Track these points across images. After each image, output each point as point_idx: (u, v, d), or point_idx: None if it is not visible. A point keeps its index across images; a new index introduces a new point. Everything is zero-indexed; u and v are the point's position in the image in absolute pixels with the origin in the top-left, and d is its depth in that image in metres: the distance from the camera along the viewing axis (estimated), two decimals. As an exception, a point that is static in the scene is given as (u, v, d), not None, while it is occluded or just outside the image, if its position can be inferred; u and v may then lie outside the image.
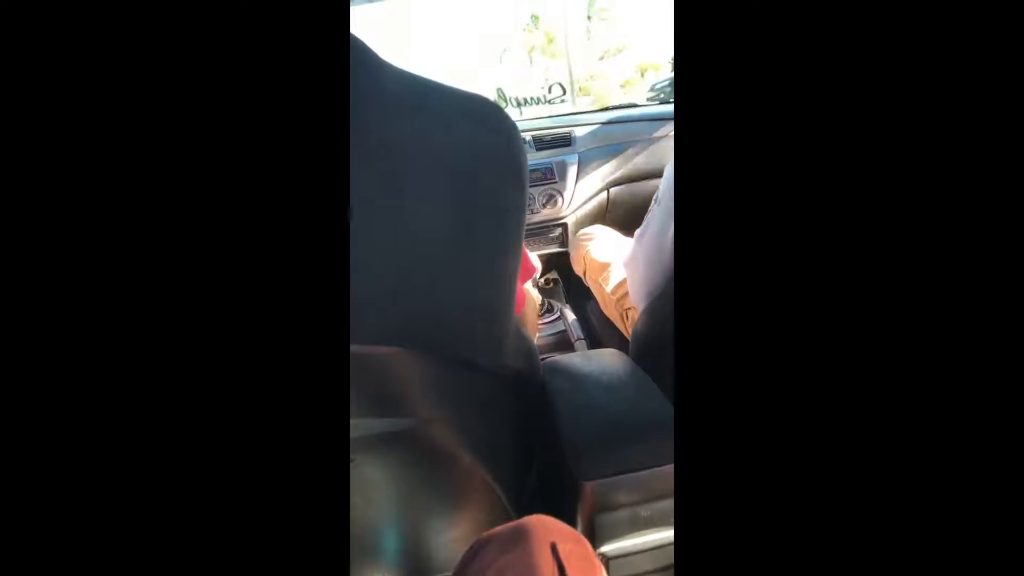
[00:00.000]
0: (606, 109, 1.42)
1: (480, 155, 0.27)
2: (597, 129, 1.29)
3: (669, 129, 1.26)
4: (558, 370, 0.52)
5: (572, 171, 1.23)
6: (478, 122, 0.27)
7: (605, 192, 1.27)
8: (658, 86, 1.45)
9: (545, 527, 0.30)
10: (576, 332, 1.14)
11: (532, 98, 1.50)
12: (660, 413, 0.42)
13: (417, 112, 0.26)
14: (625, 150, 1.26)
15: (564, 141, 1.27)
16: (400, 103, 0.25)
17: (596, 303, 1.03)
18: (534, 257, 0.58)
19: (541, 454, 0.47)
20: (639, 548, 0.37)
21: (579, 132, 1.28)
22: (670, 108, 1.34)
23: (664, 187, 0.61)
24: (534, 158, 1.23)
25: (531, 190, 1.20)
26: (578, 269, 1.10)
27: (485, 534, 0.31)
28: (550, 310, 1.23)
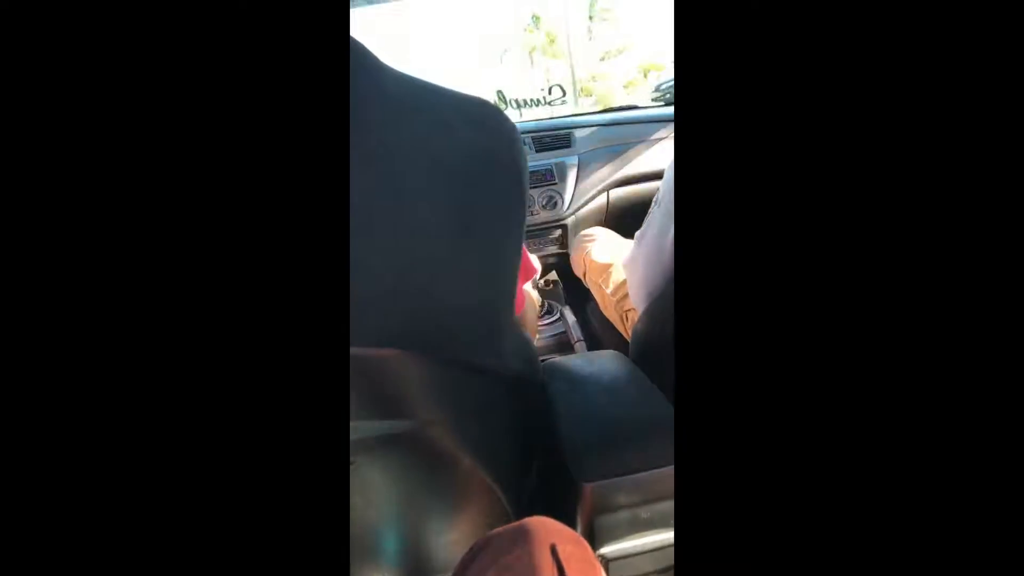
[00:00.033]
0: (606, 111, 1.42)
1: (480, 157, 0.27)
2: (597, 131, 1.29)
3: (669, 131, 1.27)
4: (558, 371, 0.52)
5: (572, 173, 1.23)
6: (478, 124, 0.27)
7: (605, 194, 1.27)
8: (663, 86, 1.44)
9: (545, 528, 0.30)
10: (576, 333, 1.14)
11: (532, 100, 1.50)
12: (660, 414, 0.42)
13: (417, 115, 0.26)
14: (625, 152, 1.26)
15: (564, 143, 1.27)
16: (400, 106, 0.25)
17: (596, 304, 1.03)
18: (534, 258, 0.59)
19: (541, 455, 0.47)
20: (639, 550, 0.37)
21: (579, 134, 1.28)
22: (670, 110, 1.34)
23: (664, 189, 0.61)
24: (534, 160, 1.23)
25: (531, 192, 1.20)
26: (578, 271, 1.10)
27: (485, 535, 0.31)
28: (550, 311, 1.22)
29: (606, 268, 0.95)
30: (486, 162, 0.27)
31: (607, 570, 0.37)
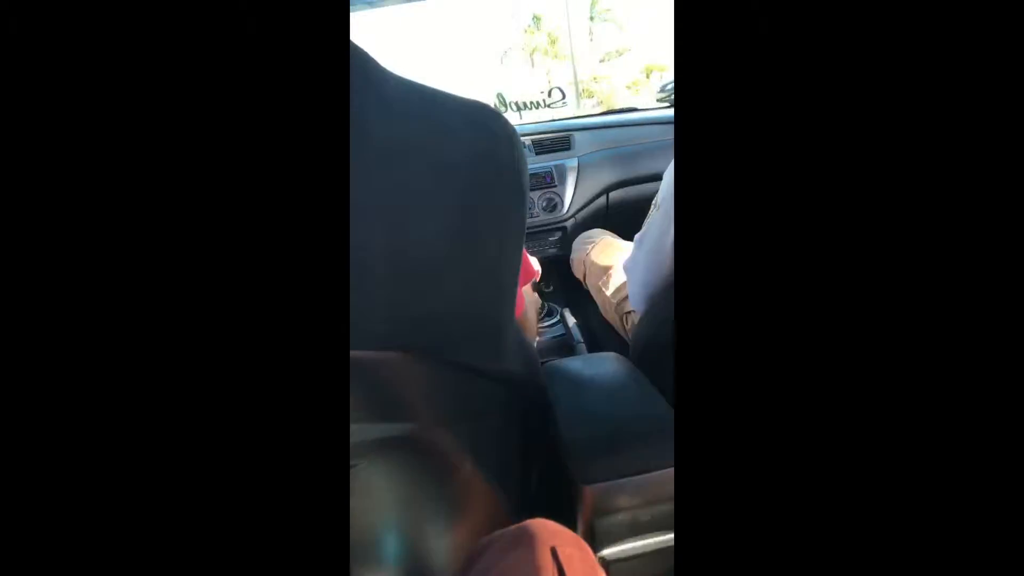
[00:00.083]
0: (605, 113, 1.42)
1: (480, 160, 0.27)
2: (596, 133, 1.30)
3: (668, 133, 1.27)
4: (558, 374, 0.52)
5: (572, 175, 1.23)
6: (478, 128, 0.28)
7: (604, 196, 1.27)
8: (668, 87, 1.45)
9: (546, 531, 0.30)
10: (576, 336, 1.14)
11: (532, 102, 1.51)
12: (660, 417, 0.42)
13: (417, 119, 0.26)
14: (624, 154, 1.26)
15: (564, 145, 1.27)
16: (400, 110, 0.25)
17: (596, 307, 1.03)
18: (534, 260, 0.59)
19: (541, 458, 0.47)
20: (640, 552, 0.37)
21: (579, 136, 1.29)
22: (669, 112, 1.34)
23: (663, 191, 0.61)
24: (534, 162, 1.23)
25: (531, 194, 1.21)
26: (578, 273, 1.11)
27: (485, 538, 0.31)
28: (550, 313, 1.23)
29: (606, 270, 0.95)
30: (486, 165, 0.27)
31: (608, 572, 0.37)
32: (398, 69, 0.27)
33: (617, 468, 0.37)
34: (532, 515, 0.33)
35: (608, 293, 0.91)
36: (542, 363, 0.52)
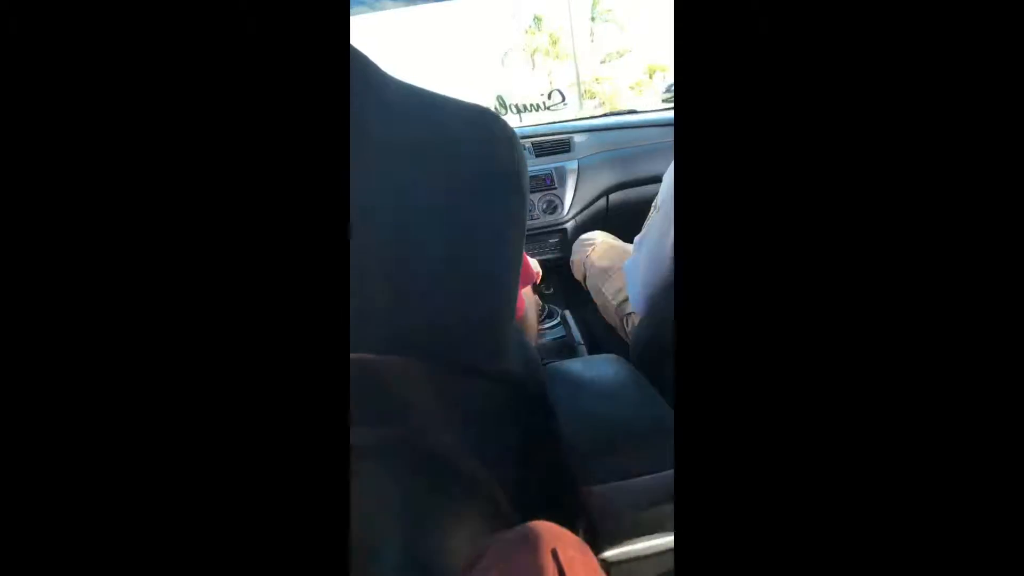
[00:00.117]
0: (605, 115, 1.43)
1: (480, 163, 0.27)
2: (596, 135, 1.30)
3: (668, 134, 1.27)
4: (558, 375, 0.52)
5: (572, 177, 1.24)
6: (478, 131, 0.28)
7: (604, 198, 1.28)
8: (673, 87, 1.45)
9: (547, 533, 0.30)
10: (576, 337, 1.14)
11: (532, 105, 1.52)
12: (660, 418, 0.42)
13: (417, 123, 0.26)
14: (624, 156, 1.27)
15: (564, 147, 1.27)
16: (400, 114, 0.26)
17: (596, 308, 1.03)
18: (534, 262, 0.59)
19: (542, 460, 0.47)
20: (641, 554, 0.37)
21: (578, 138, 1.29)
22: (668, 114, 1.35)
23: (663, 192, 0.62)
24: (534, 165, 1.23)
25: (531, 196, 1.21)
26: (578, 274, 1.11)
27: (486, 540, 0.31)
28: (550, 315, 1.23)
29: (606, 272, 0.95)
30: (486, 168, 0.28)
31: (609, 574, 0.37)
32: (398, 72, 0.27)
33: (618, 470, 0.37)
34: (533, 517, 0.33)
35: (608, 295, 0.91)
36: (542, 365, 0.52)
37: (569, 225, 1.25)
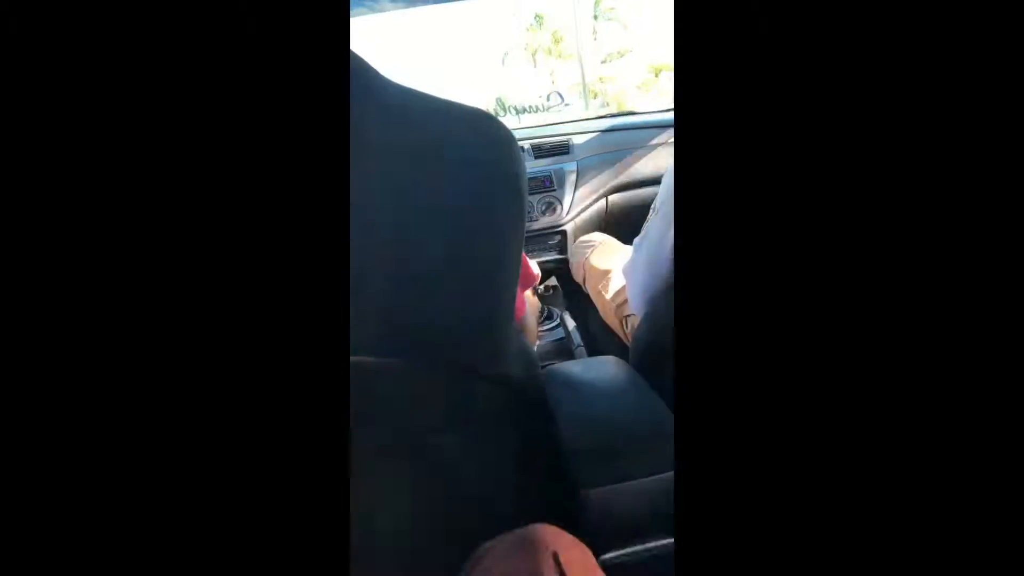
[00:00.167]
0: (604, 117, 1.43)
1: (478, 166, 0.27)
2: (595, 137, 1.30)
3: (667, 136, 1.27)
4: (558, 377, 0.52)
5: (571, 179, 1.24)
6: (477, 134, 0.28)
7: (604, 199, 1.28)
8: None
9: (547, 535, 0.30)
10: (576, 339, 1.14)
11: (531, 106, 1.52)
12: (660, 420, 0.42)
13: (416, 126, 0.26)
14: (623, 157, 1.27)
15: (562, 149, 1.27)
16: (399, 118, 0.26)
17: (596, 310, 1.03)
18: (534, 264, 0.59)
19: (542, 462, 0.47)
20: (641, 556, 0.37)
21: (577, 140, 1.29)
22: (668, 115, 1.35)
23: (662, 194, 0.62)
24: (533, 166, 1.23)
25: (530, 198, 1.21)
26: (577, 276, 1.11)
27: (486, 543, 0.31)
28: (550, 317, 1.23)
29: (605, 274, 0.95)
30: (485, 170, 0.28)
31: (608, 577, 0.37)
32: (399, 73, 0.27)
33: (617, 472, 0.37)
34: (533, 520, 0.33)
35: (608, 296, 0.91)
36: (542, 367, 0.52)
37: (568, 227, 1.25)
